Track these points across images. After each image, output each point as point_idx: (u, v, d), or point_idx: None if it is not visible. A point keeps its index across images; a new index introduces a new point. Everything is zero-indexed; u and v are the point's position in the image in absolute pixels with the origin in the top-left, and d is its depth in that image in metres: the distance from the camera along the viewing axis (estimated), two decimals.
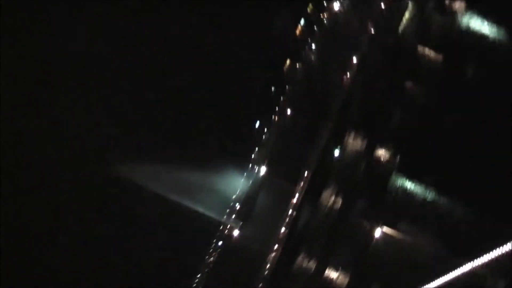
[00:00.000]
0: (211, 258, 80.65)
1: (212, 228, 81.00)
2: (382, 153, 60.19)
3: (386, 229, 52.44)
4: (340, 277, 58.27)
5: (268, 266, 69.29)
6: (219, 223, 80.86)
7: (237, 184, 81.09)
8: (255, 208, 77.05)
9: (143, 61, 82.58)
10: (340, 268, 58.53)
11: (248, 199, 77.89)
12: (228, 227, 79.72)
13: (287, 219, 70.67)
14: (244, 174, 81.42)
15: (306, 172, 70.66)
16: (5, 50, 73.16)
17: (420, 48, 59.13)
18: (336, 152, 66.34)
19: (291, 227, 69.14)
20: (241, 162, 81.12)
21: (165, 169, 78.17)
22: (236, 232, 77.26)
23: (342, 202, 62.68)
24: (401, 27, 61.22)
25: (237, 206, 79.90)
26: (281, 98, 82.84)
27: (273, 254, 69.95)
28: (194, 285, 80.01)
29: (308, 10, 79.91)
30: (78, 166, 79.27)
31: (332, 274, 59.46)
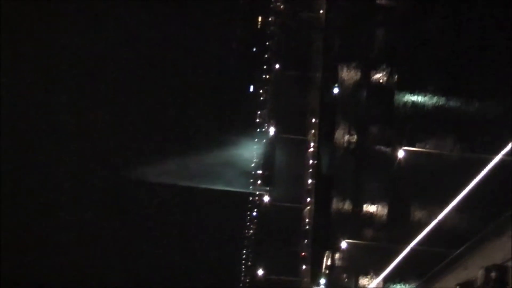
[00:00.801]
0: (251, 230, 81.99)
1: (242, 201, 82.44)
2: (379, 76, 59.48)
3: (407, 148, 50.84)
4: (379, 209, 57.96)
5: (307, 220, 69.79)
6: (248, 195, 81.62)
7: (251, 153, 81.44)
8: (276, 170, 77.17)
9: (143, 59, 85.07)
10: (375, 201, 57.78)
11: (267, 163, 77.81)
12: (257, 196, 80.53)
13: (310, 169, 70.90)
14: (254, 140, 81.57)
15: (313, 119, 71.08)
16: (5, 50, 74.74)
17: None
18: (335, 90, 66.01)
19: (316, 175, 69.23)
20: (248, 130, 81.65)
21: (174, 159, 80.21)
22: (266, 198, 77.24)
23: (357, 134, 62.63)
24: None
25: (259, 172, 79.99)
26: (265, 55, 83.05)
27: (308, 208, 70.30)
28: (243, 260, 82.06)
29: None
30: (80, 166, 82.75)
31: (370, 208, 58.91)
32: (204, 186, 78.99)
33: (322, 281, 63.13)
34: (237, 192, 79.40)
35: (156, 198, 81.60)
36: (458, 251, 30.75)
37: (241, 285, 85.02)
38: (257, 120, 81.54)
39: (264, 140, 79.07)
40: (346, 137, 63.76)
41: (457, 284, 29.74)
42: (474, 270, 28.12)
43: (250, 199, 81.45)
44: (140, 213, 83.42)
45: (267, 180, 77.20)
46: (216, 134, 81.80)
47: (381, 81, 58.88)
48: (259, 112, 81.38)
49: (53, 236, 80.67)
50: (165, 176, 78.94)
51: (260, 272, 74.51)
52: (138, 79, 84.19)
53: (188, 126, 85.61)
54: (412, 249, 43.41)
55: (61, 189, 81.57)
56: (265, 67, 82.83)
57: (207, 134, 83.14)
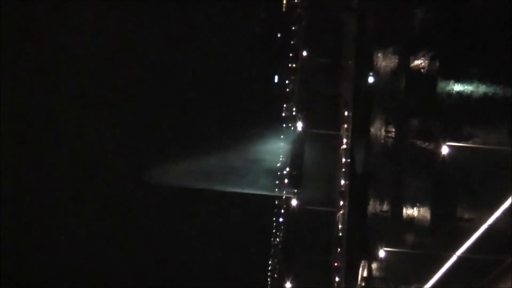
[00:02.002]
0: (277, 238, 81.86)
1: (267, 205, 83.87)
2: (420, 62, 58.63)
3: (452, 143, 50.01)
4: (422, 212, 57.07)
5: (340, 226, 69.43)
6: (273, 198, 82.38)
7: (277, 150, 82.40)
8: (305, 169, 76.93)
9: (143, 59, 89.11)
10: (417, 203, 57.04)
11: (295, 162, 78.01)
12: (284, 199, 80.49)
13: (343, 168, 70.63)
14: (280, 137, 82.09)
15: (346, 112, 70.69)
16: (5, 50, 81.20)
17: None
18: (370, 79, 65.35)
19: (350, 175, 69.02)
20: (273, 125, 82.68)
21: (191, 158, 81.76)
22: (294, 202, 76.45)
23: (395, 128, 62.29)
24: None
25: (285, 173, 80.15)
26: (291, 41, 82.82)
27: (341, 212, 69.97)
28: (269, 271, 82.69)
29: None
30: (81, 167, 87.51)
31: (412, 211, 58.11)
32: (224, 188, 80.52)
33: None
34: (261, 195, 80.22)
35: (163, 200, 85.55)
36: None
37: None
38: (283, 114, 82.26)
39: (292, 136, 79.20)
40: (383, 131, 63.55)
41: None
42: None
43: (276, 202, 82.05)
44: (150, 217, 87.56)
45: (295, 181, 77.36)
46: (236, 131, 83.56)
47: (422, 67, 58.34)
48: (285, 105, 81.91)
49: (53, 236, 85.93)
50: (178, 178, 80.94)
51: (288, 285, 73.59)
52: (150, 72, 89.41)
53: (206, 122, 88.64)
54: (460, 257, 43.51)
55: (61, 189, 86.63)
56: (291, 54, 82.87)
57: (227, 131, 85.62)
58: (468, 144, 49.65)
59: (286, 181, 79.59)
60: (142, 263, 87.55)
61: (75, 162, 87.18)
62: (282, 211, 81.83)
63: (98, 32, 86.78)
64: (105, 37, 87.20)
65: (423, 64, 58.08)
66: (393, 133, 62.03)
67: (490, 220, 40.94)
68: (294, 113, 79.18)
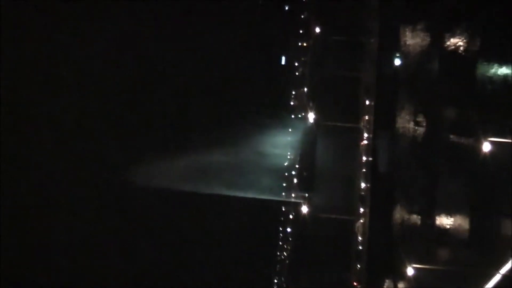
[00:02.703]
0: (284, 252, 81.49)
1: (273, 212, 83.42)
2: (455, 41, 58.70)
3: (494, 138, 50.71)
4: (456, 222, 56.61)
5: (359, 238, 69.01)
6: (280, 204, 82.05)
7: (284, 147, 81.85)
8: (318, 169, 76.09)
9: (143, 59, 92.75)
10: (453, 211, 56.95)
11: (305, 160, 77.34)
12: (292, 205, 79.69)
13: (364, 169, 70.01)
14: (288, 130, 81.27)
15: (367, 100, 70.15)
16: (5, 50, 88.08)
17: None
18: (396, 61, 65.01)
19: (372, 177, 68.32)
20: (280, 116, 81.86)
21: (185, 156, 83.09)
22: (305, 209, 76.51)
23: (426, 120, 62.06)
24: None
25: (294, 173, 79.58)
26: (302, 15, 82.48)
27: (361, 221, 69.51)
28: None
29: None
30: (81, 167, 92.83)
31: (444, 220, 58.06)
32: (220, 191, 79.98)
33: None
34: (266, 200, 79.76)
35: (160, 204, 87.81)
36: None
37: None
38: (292, 103, 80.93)
39: (302, 130, 78.67)
40: (412, 124, 63.16)
41: None
42: None
43: (283, 209, 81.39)
44: (147, 219, 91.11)
45: (306, 183, 77.13)
46: (236, 123, 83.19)
47: (458, 47, 58.30)
48: (294, 92, 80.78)
49: (53, 236, 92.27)
50: (170, 179, 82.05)
51: None
52: (156, 62, 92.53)
53: (202, 115, 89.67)
54: (504, 276, 44.41)
55: (61, 189, 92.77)
56: (301, 31, 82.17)
57: (225, 124, 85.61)
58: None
59: (295, 183, 79.40)
60: (141, 267, 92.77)
61: (75, 162, 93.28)
62: (290, 218, 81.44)
63: (98, 32, 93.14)
64: (105, 37, 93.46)
65: (460, 43, 57.97)
66: (424, 126, 62.12)
67: None
68: (305, 102, 79.45)
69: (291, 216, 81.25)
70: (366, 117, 71.25)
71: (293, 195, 79.32)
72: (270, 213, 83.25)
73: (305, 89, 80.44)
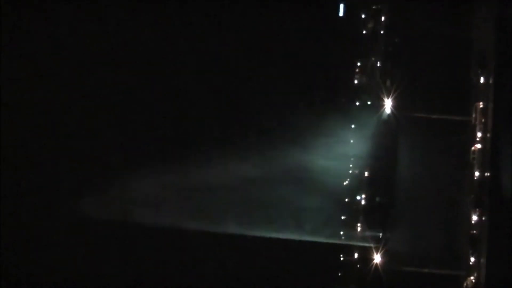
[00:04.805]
0: None
1: (326, 261, 68.25)
2: None
3: None
4: None
5: None
6: (338, 249, 67.97)
7: (344, 154, 66.20)
8: (398, 190, 64.40)
9: (143, 59, 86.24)
10: None
11: (378, 177, 63.95)
12: (356, 250, 66.93)
13: (476, 191, 59.45)
14: (351, 127, 66.85)
15: (481, 77, 60.81)
16: (5, 50, 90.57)
17: None
18: None
19: (491, 204, 57.18)
20: (336, 104, 67.37)
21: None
22: (377, 258, 64.58)
23: None
24: None
25: (360, 198, 66.96)
26: None
27: (473, 277, 59.75)
28: None
29: None
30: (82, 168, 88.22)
31: None
32: (246, 230, 67.41)
33: None
34: (313, 243, 67.66)
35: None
36: None
37: None
38: (356, 82, 66.96)
39: (373, 126, 66.58)
40: None
41: None
42: None
43: (341, 258, 67.12)
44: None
45: (380, 215, 65.68)
46: (279, 119, 68.86)
47: None
48: (359, 64, 66.95)
49: (53, 236, 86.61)
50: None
51: None
52: (171, 57, 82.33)
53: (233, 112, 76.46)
54: None
55: (61, 189, 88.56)
56: None
57: (257, 120, 70.17)
58: None
59: (361, 215, 66.86)
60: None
61: (75, 162, 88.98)
62: (353, 273, 68.00)
63: (98, 32, 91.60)
64: (105, 37, 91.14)
65: None
66: None
67: None
68: (377, 80, 67.19)
69: (354, 270, 68.24)
70: (481, 105, 61.77)
71: (358, 235, 66.11)
72: (323, 261, 68.69)
73: (378, 60, 66.64)
